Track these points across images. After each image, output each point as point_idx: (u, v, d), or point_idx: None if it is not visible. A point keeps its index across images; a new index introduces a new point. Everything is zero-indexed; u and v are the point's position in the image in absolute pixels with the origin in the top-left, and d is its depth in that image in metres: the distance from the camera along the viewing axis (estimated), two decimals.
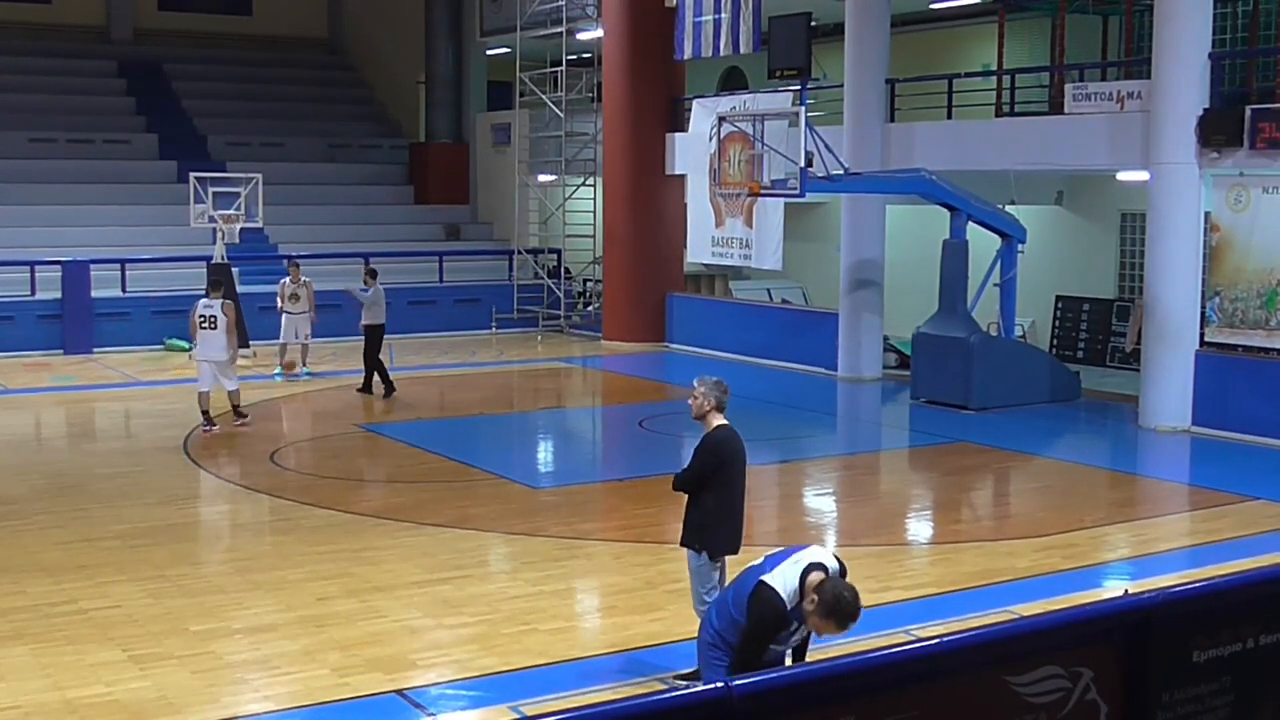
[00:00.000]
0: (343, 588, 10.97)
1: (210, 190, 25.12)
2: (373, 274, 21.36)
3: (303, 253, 28.57)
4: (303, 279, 22.48)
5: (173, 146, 31.52)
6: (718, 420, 8.89)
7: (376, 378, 20.69)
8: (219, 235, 24.97)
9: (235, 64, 35.49)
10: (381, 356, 20.87)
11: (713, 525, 8.90)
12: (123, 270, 26.40)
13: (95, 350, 25.24)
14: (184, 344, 25.16)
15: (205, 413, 17.62)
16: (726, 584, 8.87)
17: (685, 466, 8.99)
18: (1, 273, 25.79)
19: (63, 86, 32.71)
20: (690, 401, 8.92)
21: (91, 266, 25.83)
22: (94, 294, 25.72)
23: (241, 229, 25.27)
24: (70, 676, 8.99)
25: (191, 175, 25.66)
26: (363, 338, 21.00)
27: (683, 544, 9.00)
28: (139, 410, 20.38)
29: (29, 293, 25.72)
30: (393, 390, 20.58)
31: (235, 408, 18.01)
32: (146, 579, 11.26)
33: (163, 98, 33.62)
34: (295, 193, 29.74)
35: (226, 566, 11.88)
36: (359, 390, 20.80)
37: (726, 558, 9.07)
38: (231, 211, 25.01)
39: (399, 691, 8.81)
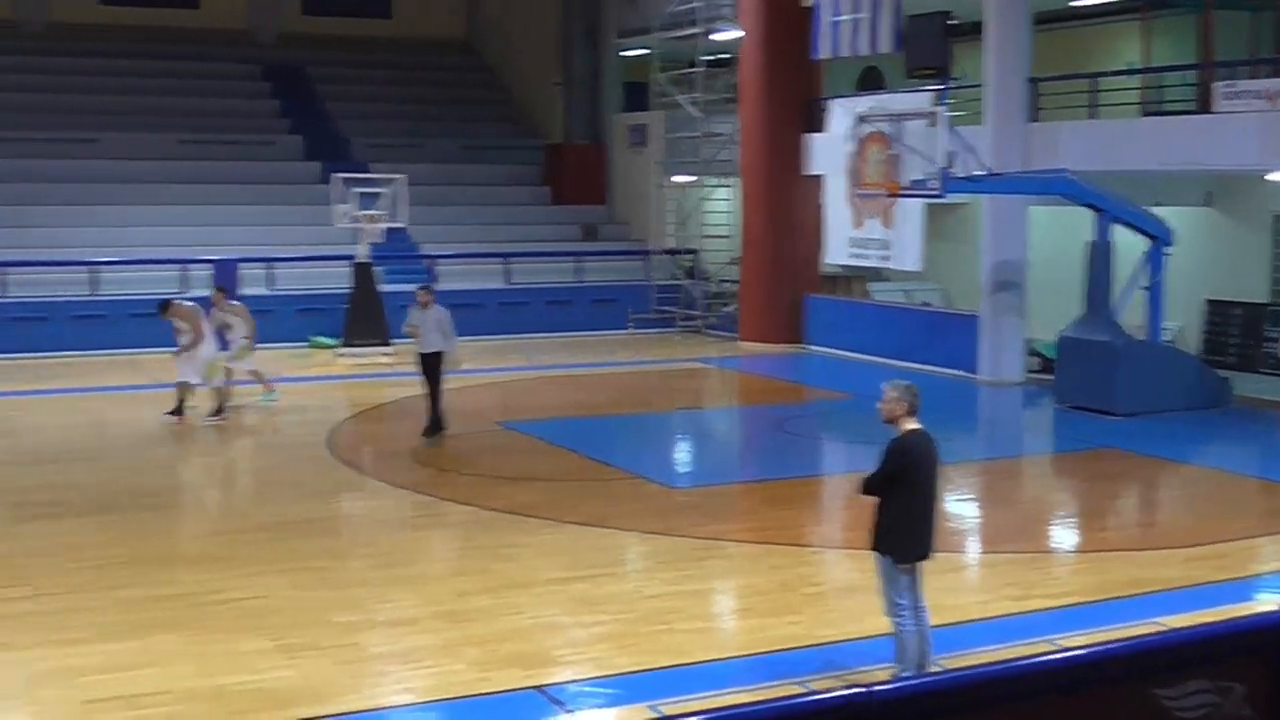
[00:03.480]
0: (482, 584, 11.09)
1: (353, 191, 25.56)
2: (426, 290, 18.12)
3: (442, 252, 29.02)
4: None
5: (317, 148, 32.12)
6: (910, 424, 8.77)
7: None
8: (362, 235, 25.38)
9: (376, 66, 36.07)
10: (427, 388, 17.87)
11: (900, 530, 8.74)
12: (269, 269, 26.98)
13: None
14: (329, 341, 25.67)
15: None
16: (920, 589, 8.80)
17: (875, 469, 8.84)
18: (154, 270, 26.50)
19: (211, 90, 33.55)
20: (880, 406, 8.80)
21: (239, 265, 26.44)
22: (242, 292, 26.28)
23: (385, 229, 25.64)
24: (219, 664, 9.20)
25: (335, 176, 26.13)
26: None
27: (871, 548, 8.87)
28: (284, 406, 20.77)
29: (180, 290, 26.37)
30: (439, 430, 17.46)
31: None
32: (292, 570, 11.50)
33: (306, 100, 34.30)
34: (434, 193, 30.13)
35: (369, 560, 12.07)
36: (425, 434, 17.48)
37: (919, 563, 8.89)
38: (374, 211, 25.41)
39: (537, 688, 8.87)
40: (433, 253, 29.07)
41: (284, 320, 26.43)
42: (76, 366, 23.69)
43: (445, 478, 15.24)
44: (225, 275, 25.61)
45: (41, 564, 11.60)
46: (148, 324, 25.41)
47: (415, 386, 21.70)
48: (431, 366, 17.32)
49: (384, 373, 23.35)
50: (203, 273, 26.24)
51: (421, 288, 18.08)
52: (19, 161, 29.28)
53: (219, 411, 18.67)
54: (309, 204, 28.72)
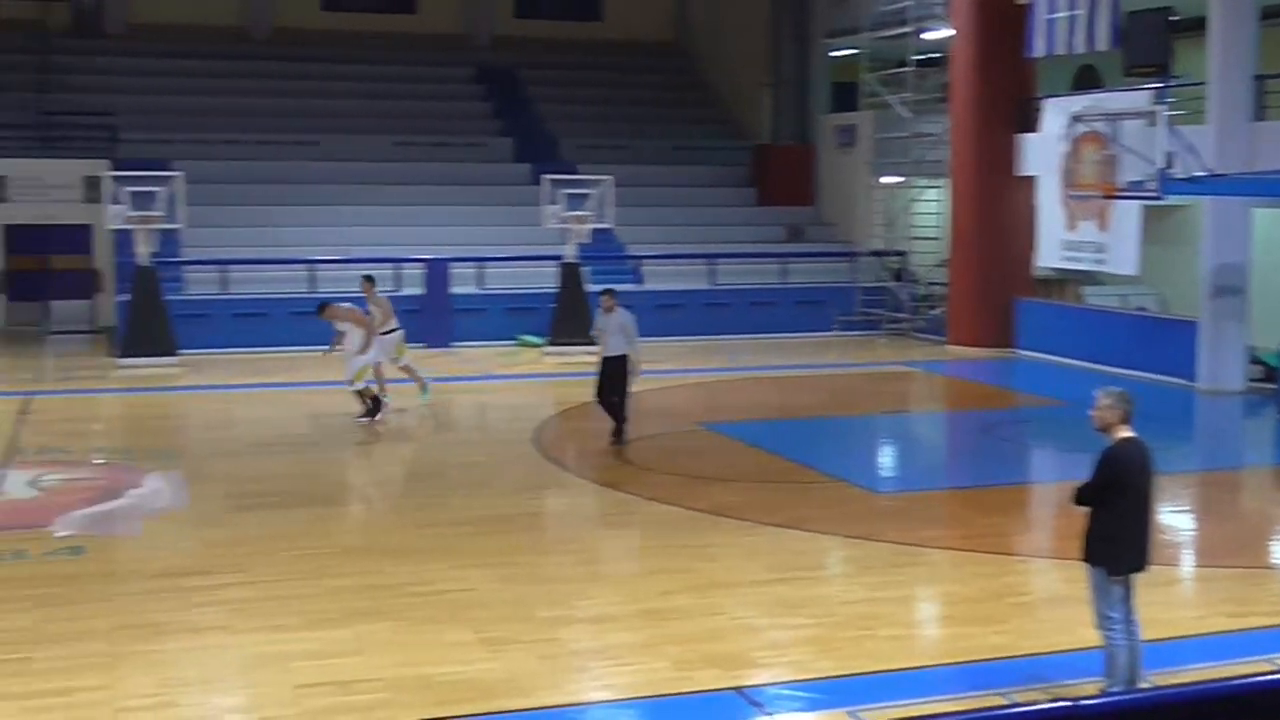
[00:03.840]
0: (683, 583, 11.11)
1: (562, 192, 25.88)
2: (609, 293, 17.51)
3: (648, 253, 29.21)
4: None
5: (527, 149, 32.63)
6: (1123, 432, 8.52)
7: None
8: (570, 236, 25.70)
9: (586, 69, 36.49)
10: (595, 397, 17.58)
11: (1112, 541, 8.49)
12: (480, 269, 27.51)
13: (453, 344, 26.35)
14: (536, 340, 26.06)
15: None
16: (1133, 602, 8.56)
17: (1087, 479, 8.60)
18: (369, 269, 27.18)
19: (425, 93, 34.36)
20: (1093, 413, 8.57)
21: (451, 265, 27.01)
22: (453, 291, 26.88)
23: (592, 229, 25.92)
24: (426, 654, 9.41)
25: (544, 177, 26.50)
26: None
27: (1083, 559, 8.65)
28: (493, 403, 21.19)
29: (394, 289, 27.07)
30: (620, 439, 16.91)
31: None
32: (497, 565, 11.69)
33: (518, 102, 34.85)
34: (641, 194, 30.34)
35: (572, 556, 12.21)
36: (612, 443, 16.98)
37: (1132, 576, 8.63)
38: (582, 212, 25.70)
39: (737, 689, 8.86)
40: (638, 253, 29.28)
41: (493, 319, 26.94)
42: (293, 361, 24.45)
43: (647, 477, 15.32)
44: (439, 275, 26.17)
45: (257, 552, 12.01)
46: None
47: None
48: (613, 371, 16.96)
49: (590, 371, 23.54)
50: (415, 272, 26.90)
51: (604, 291, 17.65)
52: (243, 163, 30.41)
53: (371, 414, 18.34)
54: (518, 205, 29.16)
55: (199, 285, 26.73)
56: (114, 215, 24.08)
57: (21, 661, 9.20)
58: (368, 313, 18.89)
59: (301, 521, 13.11)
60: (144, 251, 23.99)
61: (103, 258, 29.03)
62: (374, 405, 18.38)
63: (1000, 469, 16.49)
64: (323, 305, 19.15)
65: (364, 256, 27.36)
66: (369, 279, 19.78)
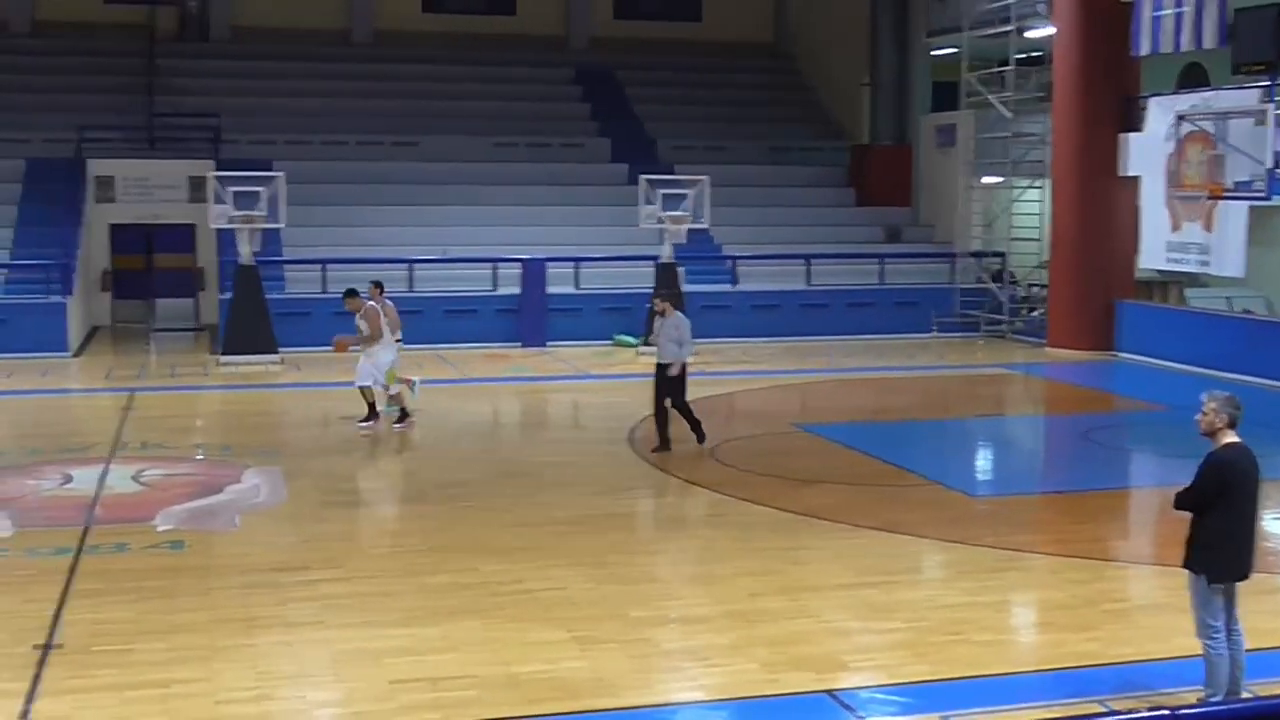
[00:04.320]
0: (774, 585, 11.07)
1: (659, 192, 25.90)
2: (662, 297, 17.32)
3: (744, 253, 29.14)
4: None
5: (624, 150, 32.70)
6: (1228, 438, 8.36)
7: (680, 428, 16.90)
8: (666, 236, 25.71)
9: (684, 69, 36.48)
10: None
11: (1215, 548, 8.32)
12: (576, 268, 27.61)
13: (549, 343, 26.47)
14: (632, 339, 26.11)
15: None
16: (1235, 611, 8.41)
17: (1190, 484, 8.45)
18: (466, 269, 27.46)
19: (524, 94, 34.56)
20: (1198, 418, 8.41)
21: (548, 264, 27.14)
22: (549, 290, 27.00)
23: (688, 229, 25.91)
24: (515, 652, 9.45)
25: (641, 178, 26.53)
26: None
27: (1184, 566, 8.49)
28: (587, 402, 21.25)
29: (491, 288, 27.28)
30: (664, 446, 16.48)
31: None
32: (588, 564, 11.72)
33: (616, 103, 34.94)
34: (738, 194, 30.28)
35: (663, 557, 12.21)
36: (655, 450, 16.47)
37: (1235, 584, 8.46)
38: (679, 213, 25.70)
39: (828, 692, 8.81)
40: (734, 253, 29.23)
41: (589, 318, 27.04)
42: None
43: (741, 477, 15.27)
44: (535, 275, 26.30)
45: (353, 548, 12.15)
46: (460, 320, 26.50)
47: (713, 386, 21.97)
48: (668, 377, 16.53)
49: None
50: (512, 272, 27.06)
51: (657, 295, 17.18)
52: (344, 164, 30.79)
53: (404, 416, 17.97)
54: (616, 205, 29.24)
55: (299, 284, 27.08)
56: (217, 215, 24.47)
57: (122, 653, 9.38)
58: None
59: (396, 519, 13.26)
60: (246, 251, 24.36)
61: (206, 257, 29.55)
62: (403, 413, 17.99)
63: (1099, 474, 16.24)
64: (350, 292, 18.47)
65: (462, 256, 27.63)
66: (377, 284, 18.88)
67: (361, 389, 17.89)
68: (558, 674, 9.07)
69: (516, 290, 27.02)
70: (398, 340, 18.49)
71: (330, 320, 25.98)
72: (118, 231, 30.15)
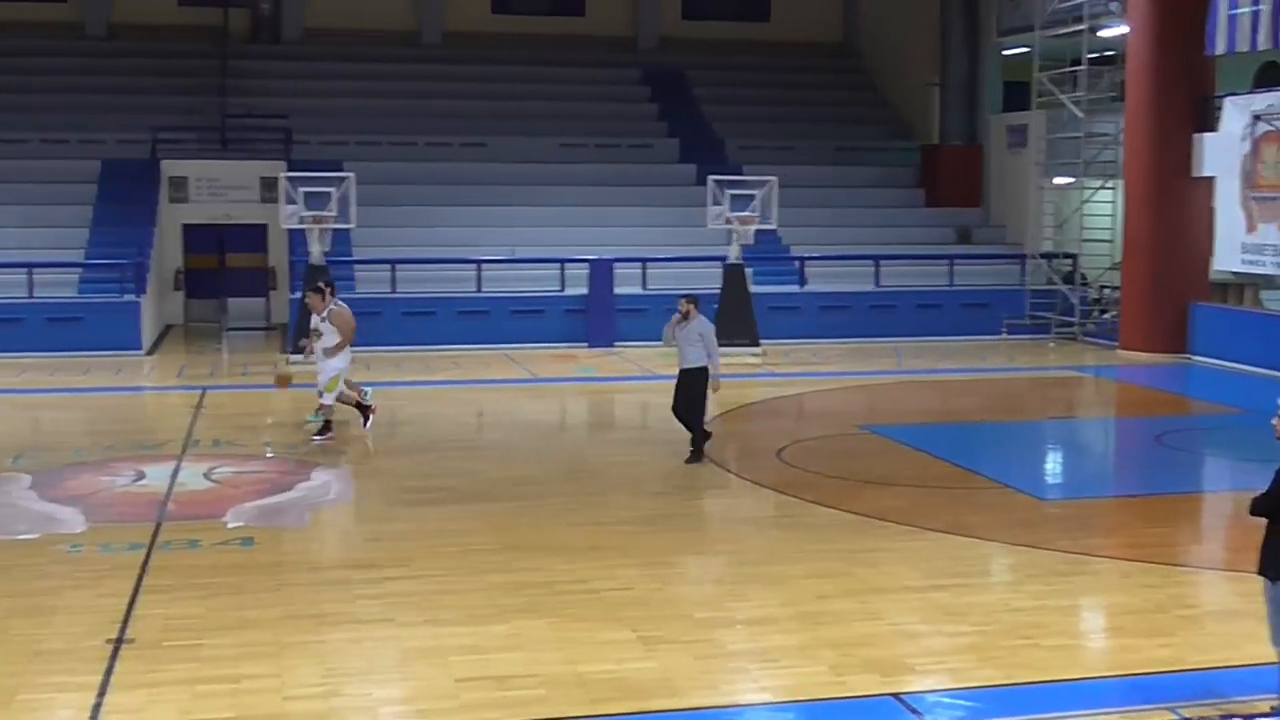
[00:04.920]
0: (841, 587, 11.01)
1: (727, 193, 25.85)
2: (690, 299, 16.06)
3: (812, 254, 29.04)
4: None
5: (692, 150, 32.67)
6: None
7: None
8: (734, 237, 25.66)
9: (752, 69, 36.41)
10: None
11: None
12: (643, 269, 27.61)
13: (616, 344, 26.49)
14: None
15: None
16: None
17: (1266, 489, 8.30)
18: (534, 269, 27.54)
19: (592, 94, 34.62)
20: (1275, 422, 8.27)
21: (615, 265, 27.16)
22: (617, 291, 27.02)
23: (756, 230, 25.84)
24: (582, 652, 9.45)
25: (709, 178, 26.50)
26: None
27: (1259, 572, 8.35)
28: (654, 403, 21.17)
29: (559, 288, 27.34)
30: (697, 457, 15.83)
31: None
32: (653, 564, 11.71)
33: (684, 104, 34.94)
34: (806, 195, 30.19)
35: (730, 557, 12.18)
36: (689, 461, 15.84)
37: None
38: (747, 213, 25.64)
39: (895, 695, 8.74)
40: (803, 254, 29.13)
41: (656, 319, 26.86)
42: (460, 359, 24.85)
43: (808, 479, 15.21)
44: (603, 275, 26.33)
45: (420, 547, 12.20)
46: (527, 321, 26.59)
47: (781, 387, 21.92)
48: (690, 384, 15.80)
49: (752, 373, 23.55)
50: (579, 272, 27.12)
51: (685, 297, 16.18)
52: (413, 164, 31.00)
53: (327, 429, 16.99)
54: (683, 205, 29.23)
55: (369, 284, 27.27)
56: (288, 215, 24.71)
57: (192, 648, 9.47)
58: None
59: (463, 518, 13.29)
60: (317, 250, 24.55)
61: (277, 256, 29.83)
62: (327, 424, 17.01)
63: (1171, 478, 16.02)
64: (315, 289, 17.37)
65: (530, 257, 27.71)
66: (329, 284, 17.81)
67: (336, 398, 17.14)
68: (623, 674, 9.07)
69: (584, 291, 27.07)
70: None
71: (400, 320, 26.26)
72: (191, 231, 30.51)
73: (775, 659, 9.42)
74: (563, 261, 27.45)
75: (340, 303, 17.38)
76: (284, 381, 17.84)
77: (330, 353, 16.93)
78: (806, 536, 12.69)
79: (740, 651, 9.64)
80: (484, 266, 27.34)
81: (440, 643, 9.61)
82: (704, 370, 15.69)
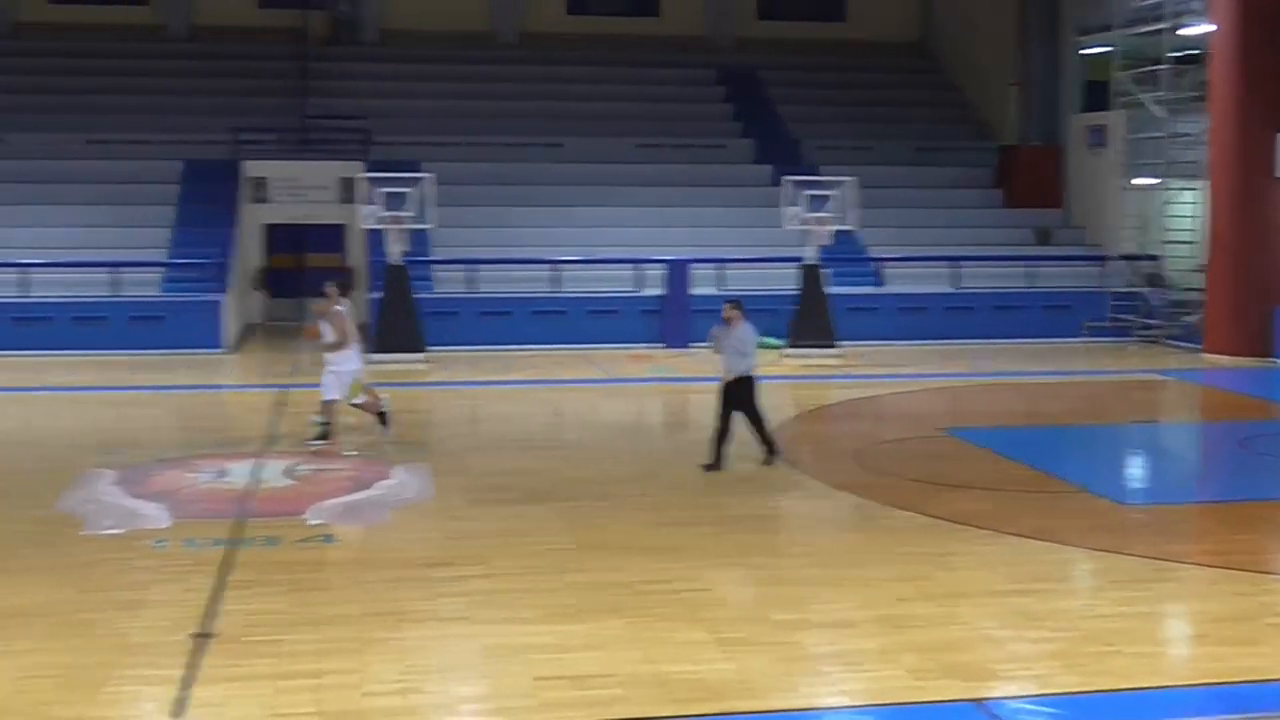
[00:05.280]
0: (921, 590, 10.93)
1: (803, 193, 25.76)
2: (734, 305, 15.86)
3: (889, 255, 28.87)
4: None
5: (768, 151, 32.60)
6: None
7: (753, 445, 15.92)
8: (810, 237, 25.56)
9: (828, 69, 36.27)
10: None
11: None
12: (719, 270, 27.57)
13: (692, 344, 26.45)
14: (776, 341, 26.00)
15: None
16: None
17: None
18: (611, 270, 27.58)
19: (668, 95, 34.64)
20: None
21: (691, 266, 27.13)
22: (693, 292, 26.99)
23: (833, 231, 25.73)
24: (661, 652, 9.44)
25: (785, 179, 26.41)
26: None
27: None
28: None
29: (635, 289, 27.36)
30: (717, 465, 15.45)
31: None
32: (733, 565, 11.69)
33: (759, 104, 34.86)
34: (884, 196, 30.02)
35: (809, 560, 12.11)
36: (708, 467, 15.47)
37: None
38: (823, 214, 25.53)
39: (976, 701, 8.66)
40: (880, 255, 28.97)
41: None
42: (537, 359, 24.94)
43: (886, 482, 15.11)
44: (679, 276, 26.31)
45: (499, 545, 12.24)
46: (602, 321, 26.64)
47: (858, 389, 21.81)
48: (736, 393, 15.47)
49: (830, 374, 23.47)
50: (656, 273, 27.13)
51: (729, 302, 15.94)
52: (490, 165, 31.16)
53: (326, 435, 16.71)
54: (759, 206, 29.17)
55: (447, 284, 27.46)
56: (367, 215, 24.92)
57: (274, 643, 9.56)
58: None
59: (541, 516, 13.33)
60: (395, 250, 24.74)
61: (356, 256, 30.07)
62: (326, 431, 16.81)
63: (1257, 483, 15.76)
64: (325, 293, 17.23)
65: (605, 258, 27.76)
66: (340, 286, 17.74)
67: (325, 404, 16.81)
68: (702, 675, 9.05)
69: (660, 291, 27.07)
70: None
71: (477, 320, 26.40)
72: (271, 231, 30.84)
73: (855, 662, 9.36)
74: (639, 262, 27.48)
75: (342, 305, 17.07)
76: (313, 335, 17.40)
77: (328, 349, 16.74)
78: (886, 539, 12.60)
79: (819, 654, 9.59)
80: (561, 267, 27.41)
81: (519, 641, 9.64)
82: (747, 379, 15.44)
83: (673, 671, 9.08)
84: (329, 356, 16.74)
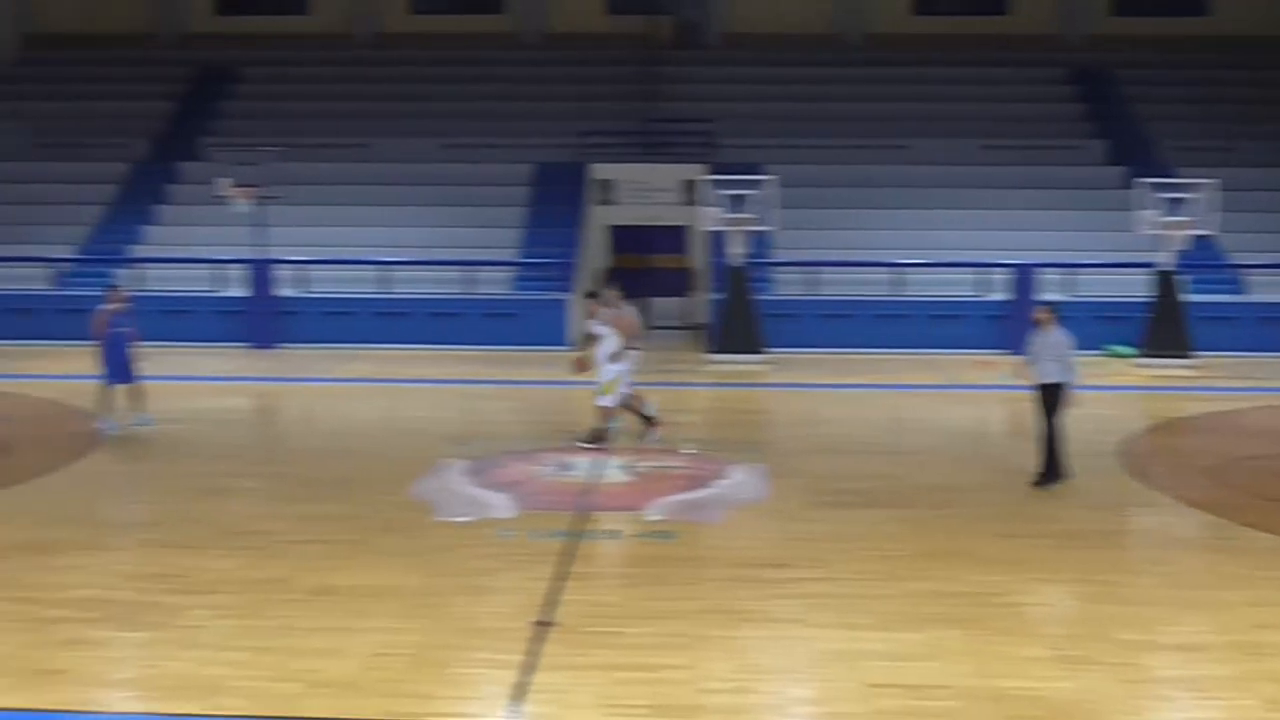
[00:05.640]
0: None
1: (1158, 196, 24.70)
2: (1047, 309, 15.01)
3: (1253, 262, 27.38)
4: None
5: (1120, 152, 31.43)
6: None
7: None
8: (1165, 242, 24.48)
9: (1188, 66, 34.66)
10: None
11: None
12: (1068, 275, 26.71)
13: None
14: (1126, 350, 25.05)
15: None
16: None
17: None
18: (953, 274, 27.09)
19: (1015, 95, 33.79)
20: None
21: (1038, 271, 26.37)
22: (1039, 297, 26.20)
23: (1191, 236, 24.58)
24: (998, 666, 9.22)
25: (1139, 181, 25.38)
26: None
27: None
28: (1076, 414, 20.44)
29: (979, 293, 26.80)
30: (1054, 478, 14.81)
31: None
32: (1076, 581, 11.33)
33: (1113, 103, 33.62)
34: (1246, 199, 28.45)
35: (1156, 579, 11.60)
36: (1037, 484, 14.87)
37: None
38: (1180, 218, 24.42)
39: None
40: (1242, 262, 27.52)
41: (1080, 327, 25.73)
42: (877, 363, 24.70)
43: (1243, 501, 14.33)
44: (1025, 281, 25.61)
45: (837, 549, 12.18)
46: (946, 325, 26.20)
47: (1216, 402, 20.75)
48: (1047, 401, 14.71)
49: (1184, 385, 22.44)
50: (1001, 278, 26.50)
51: (1042, 305, 15.11)
52: (833, 167, 31.04)
53: (599, 438, 16.86)
54: (1110, 210, 28.14)
55: (787, 286, 27.52)
56: (709, 217, 25.21)
57: (613, 635, 9.77)
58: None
59: (880, 522, 13.20)
60: (737, 252, 24.94)
61: (698, 257, 30.47)
62: (647, 420, 17.16)
63: None
64: (591, 294, 17.36)
65: (949, 261, 27.29)
66: (615, 288, 17.71)
67: (599, 406, 16.99)
68: (1041, 692, 8.79)
69: (1006, 296, 26.42)
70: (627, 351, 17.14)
71: (818, 322, 26.37)
72: (616, 232, 31.58)
73: (1205, 689, 8.93)
74: (984, 266, 26.90)
75: (622, 307, 17.13)
76: (583, 367, 17.58)
77: (611, 357, 16.89)
78: (1243, 561, 11.96)
79: (1166, 678, 9.19)
80: (903, 270, 27.11)
81: (854, 646, 9.57)
82: (1058, 387, 14.63)
83: (1010, 687, 8.86)
84: (602, 357, 16.89)
